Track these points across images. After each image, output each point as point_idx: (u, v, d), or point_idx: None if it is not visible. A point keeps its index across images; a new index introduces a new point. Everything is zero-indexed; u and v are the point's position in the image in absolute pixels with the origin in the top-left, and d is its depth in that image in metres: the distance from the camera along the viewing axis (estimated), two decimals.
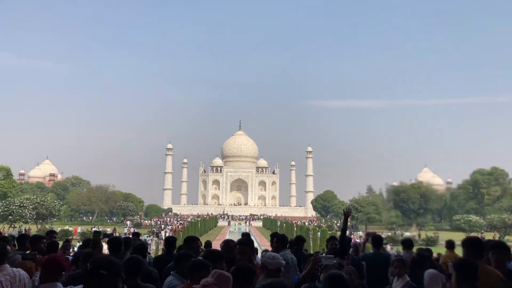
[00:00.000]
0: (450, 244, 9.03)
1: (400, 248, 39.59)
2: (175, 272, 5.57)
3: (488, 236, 61.79)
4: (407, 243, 8.58)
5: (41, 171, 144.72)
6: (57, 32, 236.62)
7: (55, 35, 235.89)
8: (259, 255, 8.68)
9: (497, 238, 60.40)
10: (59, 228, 57.99)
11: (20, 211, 56.79)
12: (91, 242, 7.47)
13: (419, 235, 61.88)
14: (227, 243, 6.75)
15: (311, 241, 40.34)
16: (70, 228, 58.12)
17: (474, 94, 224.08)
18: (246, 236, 7.82)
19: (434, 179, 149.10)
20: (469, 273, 4.41)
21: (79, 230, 57.25)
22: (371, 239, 8.42)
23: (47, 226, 60.55)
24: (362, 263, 7.75)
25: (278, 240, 7.61)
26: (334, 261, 5.76)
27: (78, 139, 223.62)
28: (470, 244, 5.27)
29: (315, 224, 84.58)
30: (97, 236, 7.52)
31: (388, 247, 38.51)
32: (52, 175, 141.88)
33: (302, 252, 8.95)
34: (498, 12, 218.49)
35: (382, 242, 8.33)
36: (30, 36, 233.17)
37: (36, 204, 61.85)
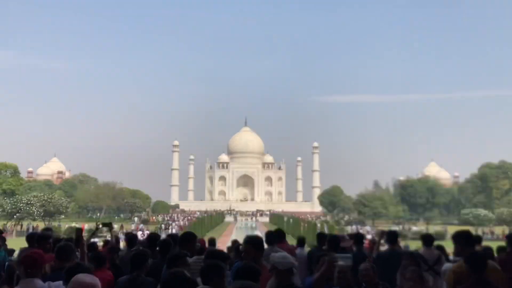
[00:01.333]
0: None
1: (409, 242, 39.28)
2: None
3: (498, 230, 61.41)
4: (428, 239, 7.75)
5: (49, 169, 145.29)
6: (65, 30, 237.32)
7: (63, 34, 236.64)
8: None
9: (506, 232, 59.92)
10: (66, 225, 58.33)
11: (28, 208, 57.02)
12: (74, 239, 7.24)
13: (427, 229, 61.43)
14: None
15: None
16: (77, 225, 58.21)
17: (481, 88, 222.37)
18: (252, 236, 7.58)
19: (441, 173, 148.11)
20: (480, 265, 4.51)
21: (86, 227, 57.39)
22: (386, 235, 7.94)
23: (55, 224, 60.91)
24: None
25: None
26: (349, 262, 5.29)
27: (86, 137, 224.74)
28: (460, 237, 5.34)
29: (322, 219, 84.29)
30: (79, 232, 7.39)
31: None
32: (60, 172, 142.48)
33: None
34: (504, 4, 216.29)
35: (397, 238, 7.86)
36: (38, 35, 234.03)
37: (44, 202, 62.06)
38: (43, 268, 4.58)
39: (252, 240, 5.70)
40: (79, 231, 7.49)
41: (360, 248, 8.26)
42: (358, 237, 8.60)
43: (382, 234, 8.37)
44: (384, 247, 8.29)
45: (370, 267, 5.46)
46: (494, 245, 9.41)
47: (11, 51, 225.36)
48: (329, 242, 7.79)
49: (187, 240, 6.46)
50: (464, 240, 5.35)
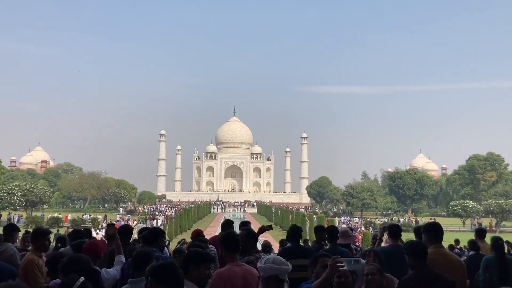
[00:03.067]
0: (481, 234, 7.85)
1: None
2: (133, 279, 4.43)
3: (485, 221, 61.29)
4: (394, 231, 6.95)
5: (33, 157, 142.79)
6: (48, 15, 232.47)
7: (46, 18, 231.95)
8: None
9: (493, 224, 59.83)
10: (49, 215, 56.75)
11: (9, 198, 55.37)
12: (108, 234, 6.80)
13: (417, 221, 61.09)
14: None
15: (307, 229, 39.24)
16: (60, 216, 56.68)
17: (469, 80, 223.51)
18: (245, 227, 6.61)
19: (429, 165, 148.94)
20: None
21: (69, 218, 55.92)
22: (388, 229, 7.09)
23: (38, 214, 59.27)
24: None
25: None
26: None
27: (71, 126, 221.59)
28: (429, 229, 5.55)
29: (308, 210, 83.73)
30: (114, 229, 6.96)
31: None
32: (44, 161, 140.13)
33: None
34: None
35: (400, 232, 6.99)
36: (20, 19, 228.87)
37: (26, 191, 60.43)
38: (100, 257, 5.01)
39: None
40: (113, 227, 7.12)
41: (334, 243, 7.07)
42: (332, 231, 7.28)
43: (384, 229, 7.61)
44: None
45: (376, 270, 4.51)
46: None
47: None
48: (391, 230, 6.89)
49: (155, 236, 6.09)
50: (435, 232, 5.55)
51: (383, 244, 7.99)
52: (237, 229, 7.22)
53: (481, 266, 6.52)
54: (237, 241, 4.76)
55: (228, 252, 4.66)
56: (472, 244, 7.74)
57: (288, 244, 7.16)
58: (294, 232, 6.69)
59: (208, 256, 4.00)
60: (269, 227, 7.55)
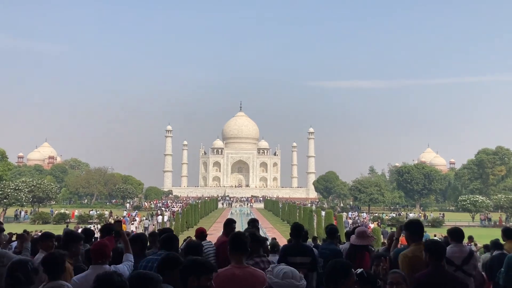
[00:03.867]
0: (509, 234, 7.35)
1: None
2: None
3: (495, 216, 60.51)
4: (456, 234, 6.32)
5: (40, 153, 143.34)
6: (55, 12, 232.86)
7: (53, 15, 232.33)
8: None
9: (503, 218, 59.06)
10: (55, 211, 56.75)
11: (16, 194, 55.28)
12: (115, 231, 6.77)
13: (425, 216, 60.39)
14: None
15: (314, 224, 38.77)
16: (67, 211, 56.65)
17: (477, 73, 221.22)
18: (250, 228, 6.27)
19: (437, 159, 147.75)
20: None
21: (76, 213, 55.88)
22: (405, 227, 6.25)
23: (45, 210, 59.31)
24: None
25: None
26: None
27: (78, 122, 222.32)
28: (410, 227, 5.68)
29: (316, 205, 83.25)
30: (120, 225, 7.05)
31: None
32: (51, 157, 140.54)
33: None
34: None
35: (421, 232, 6.46)
36: (27, 16, 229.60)
37: (32, 187, 60.40)
38: (109, 256, 4.97)
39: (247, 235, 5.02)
40: (119, 223, 7.26)
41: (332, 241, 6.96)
42: (331, 230, 7.44)
43: (401, 228, 7.00)
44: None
45: (401, 278, 4.22)
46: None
47: (2, 33, 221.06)
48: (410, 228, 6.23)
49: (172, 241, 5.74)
50: (416, 230, 5.68)
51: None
52: (245, 225, 7.10)
53: (504, 265, 6.36)
54: (244, 242, 4.57)
55: (232, 252, 4.53)
56: (495, 244, 7.26)
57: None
58: (296, 230, 6.68)
59: (210, 265, 3.66)
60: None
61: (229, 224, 7.08)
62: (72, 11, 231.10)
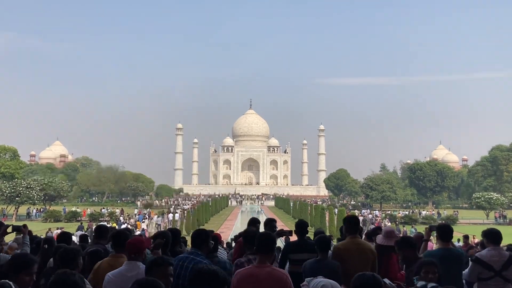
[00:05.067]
0: None
1: (418, 228, 37.09)
2: None
3: (510, 214, 59.48)
4: (494, 236, 5.84)
5: (52, 152, 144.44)
6: (68, 12, 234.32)
7: (66, 15, 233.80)
8: None
9: None
10: (66, 210, 56.97)
11: (27, 192, 55.54)
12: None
13: (439, 214, 59.52)
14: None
15: (326, 222, 38.30)
16: (79, 210, 56.83)
17: (489, 69, 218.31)
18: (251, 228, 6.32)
19: (449, 156, 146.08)
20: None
21: (88, 212, 56.02)
22: (436, 229, 6.13)
23: (57, 208, 59.51)
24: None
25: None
26: None
27: (89, 120, 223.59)
28: (348, 221, 6.09)
29: (328, 203, 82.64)
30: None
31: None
32: (62, 156, 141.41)
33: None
34: None
35: (452, 233, 6.02)
36: (40, 16, 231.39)
37: (44, 185, 60.64)
38: (144, 253, 4.91)
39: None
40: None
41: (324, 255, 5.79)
42: (322, 242, 5.87)
43: (430, 229, 6.63)
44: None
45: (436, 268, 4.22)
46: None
47: (11, 32, 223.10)
48: (440, 231, 6.01)
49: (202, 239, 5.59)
50: (353, 224, 6.06)
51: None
52: (262, 228, 6.92)
53: None
54: (270, 243, 4.55)
55: (257, 252, 4.57)
56: None
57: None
58: (300, 227, 6.71)
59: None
60: (289, 233, 7.38)
61: (253, 224, 6.84)
62: (81, 10, 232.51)
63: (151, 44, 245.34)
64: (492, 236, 5.84)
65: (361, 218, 48.33)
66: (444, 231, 5.97)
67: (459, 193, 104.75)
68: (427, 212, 61.01)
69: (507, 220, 56.16)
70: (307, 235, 6.82)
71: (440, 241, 5.98)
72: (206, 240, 5.23)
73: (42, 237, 9.15)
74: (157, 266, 3.90)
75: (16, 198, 54.89)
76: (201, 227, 38.70)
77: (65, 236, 7.04)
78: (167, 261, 4.00)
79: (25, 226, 6.68)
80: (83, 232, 28.95)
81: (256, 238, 4.71)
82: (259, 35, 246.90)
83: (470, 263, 5.85)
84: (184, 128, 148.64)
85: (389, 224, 35.72)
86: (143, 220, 41.02)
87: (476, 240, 17.86)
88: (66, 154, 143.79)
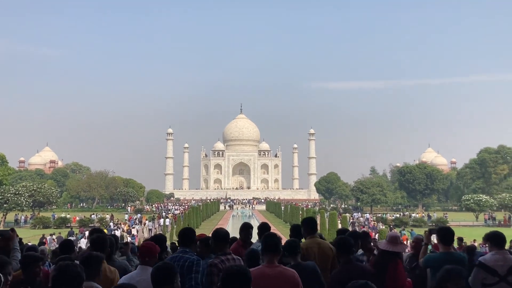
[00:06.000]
0: None
1: (410, 230, 37.19)
2: None
3: (499, 215, 60.05)
4: (497, 239, 5.60)
5: (41, 158, 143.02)
6: (57, 17, 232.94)
7: (55, 20, 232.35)
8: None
9: (507, 217, 58.61)
10: (55, 216, 56.37)
11: (16, 198, 54.88)
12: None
13: (429, 216, 59.89)
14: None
15: (319, 227, 38.32)
16: (69, 216, 56.30)
17: (476, 72, 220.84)
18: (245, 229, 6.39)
19: (438, 159, 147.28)
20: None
21: (77, 218, 55.53)
22: (437, 232, 5.93)
23: (46, 214, 58.87)
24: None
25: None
26: None
27: (79, 126, 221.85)
28: (306, 223, 6.45)
29: (319, 206, 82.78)
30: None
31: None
32: (52, 162, 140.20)
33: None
34: None
35: (453, 237, 5.85)
36: (30, 22, 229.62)
37: (33, 192, 60.03)
38: (156, 257, 4.96)
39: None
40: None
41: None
42: (309, 223, 6.59)
43: (430, 232, 6.35)
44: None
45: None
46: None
47: (2, 39, 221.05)
48: (441, 234, 5.80)
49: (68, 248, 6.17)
50: (311, 225, 6.47)
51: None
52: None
53: None
54: (276, 243, 4.73)
55: (265, 253, 4.71)
56: None
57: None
58: (296, 231, 6.79)
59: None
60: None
61: (246, 229, 6.81)
62: (72, 16, 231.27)
63: (141, 49, 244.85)
64: (496, 239, 5.57)
65: (351, 221, 48.63)
66: (445, 234, 5.75)
67: (448, 196, 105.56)
68: (417, 215, 61.41)
69: (497, 222, 56.72)
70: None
71: (441, 244, 5.79)
72: (192, 238, 5.54)
73: (29, 243, 9.01)
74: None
75: (4, 205, 54.20)
76: None
77: (68, 245, 6.65)
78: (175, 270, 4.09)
79: (13, 230, 6.42)
80: (74, 238, 28.74)
81: (262, 239, 4.93)
82: (250, 40, 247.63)
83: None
84: (175, 132, 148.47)
85: (383, 227, 35.60)
86: (133, 226, 40.72)
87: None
88: (56, 159, 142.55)
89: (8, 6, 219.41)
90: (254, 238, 6.93)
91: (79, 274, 3.46)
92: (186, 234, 5.52)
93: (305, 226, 6.40)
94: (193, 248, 5.50)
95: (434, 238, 7.01)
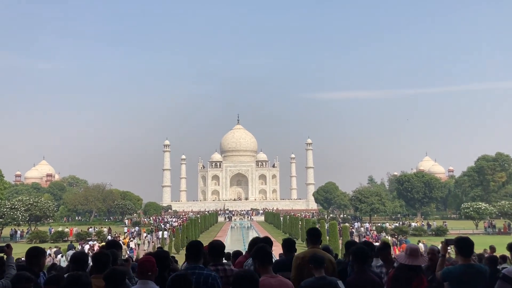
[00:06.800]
0: None
1: (410, 239, 36.70)
2: None
3: (499, 223, 59.81)
4: None
5: (38, 171, 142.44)
6: (53, 31, 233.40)
7: (52, 35, 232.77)
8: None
9: (507, 225, 58.41)
10: (52, 230, 55.77)
11: (12, 213, 54.37)
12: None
13: (429, 225, 59.61)
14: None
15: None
16: (66, 229, 55.72)
17: (474, 81, 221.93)
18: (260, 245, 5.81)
19: (435, 167, 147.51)
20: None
21: (74, 231, 54.95)
22: (455, 243, 5.63)
23: (42, 229, 58.28)
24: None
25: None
26: None
27: (75, 139, 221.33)
28: (310, 233, 6.47)
29: (317, 217, 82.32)
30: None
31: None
32: (49, 175, 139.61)
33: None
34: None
35: (472, 248, 5.59)
36: (27, 35, 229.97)
37: (29, 206, 59.50)
38: (155, 271, 4.95)
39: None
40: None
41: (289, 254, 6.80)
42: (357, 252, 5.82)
43: (447, 243, 5.99)
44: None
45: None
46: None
47: None
48: (459, 245, 5.57)
49: (33, 257, 6.03)
50: (315, 236, 6.48)
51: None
52: (246, 239, 7.22)
53: None
54: (268, 253, 5.19)
55: (259, 265, 5.12)
56: None
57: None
58: (288, 245, 6.85)
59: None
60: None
61: (255, 244, 6.80)
62: (68, 28, 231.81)
63: (138, 61, 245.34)
64: (461, 248, 5.44)
65: (353, 231, 48.26)
66: (464, 245, 5.48)
67: (447, 204, 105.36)
68: (417, 224, 61.11)
69: (497, 230, 56.48)
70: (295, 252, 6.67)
71: (460, 256, 5.50)
72: (201, 251, 5.49)
73: (22, 259, 8.65)
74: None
75: (0, 220, 53.68)
76: None
77: (81, 260, 5.91)
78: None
79: (8, 246, 6.12)
80: (74, 251, 28.31)
81: (255, 252, 5.34)
82: (246, 50, 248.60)
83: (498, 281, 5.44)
84: (172, 144, 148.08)
85: (388, 237, 35.11)
86: (131, 239, 40.28)
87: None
88: (52, 173, 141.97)
89: (4, 19, 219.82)
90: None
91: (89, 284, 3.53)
92: (195, 247, 5.47)
93: (310, 236, 6.47)
94: (202, 262, 5.46)
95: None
